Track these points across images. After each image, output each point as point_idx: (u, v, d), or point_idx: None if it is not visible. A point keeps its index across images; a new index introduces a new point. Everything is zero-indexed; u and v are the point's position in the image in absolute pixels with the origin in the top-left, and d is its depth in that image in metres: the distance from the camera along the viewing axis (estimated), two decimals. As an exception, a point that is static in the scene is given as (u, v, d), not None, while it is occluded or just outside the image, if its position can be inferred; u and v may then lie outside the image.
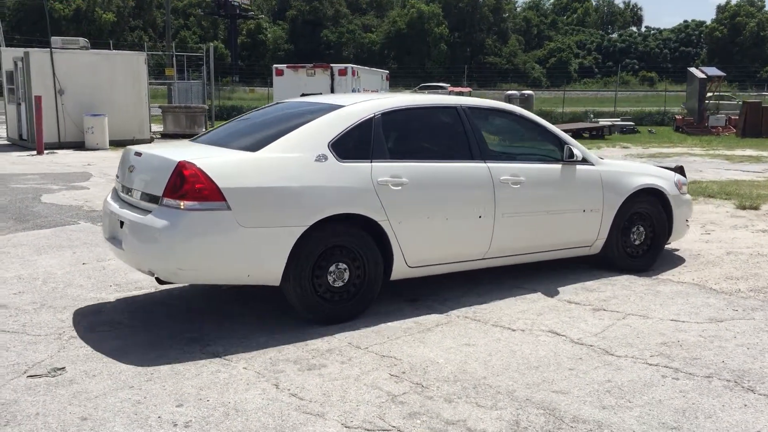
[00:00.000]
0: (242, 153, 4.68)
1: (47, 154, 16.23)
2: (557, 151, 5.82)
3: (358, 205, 4.72)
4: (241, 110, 37.90)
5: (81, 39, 19.91)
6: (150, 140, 18.73)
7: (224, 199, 4.30)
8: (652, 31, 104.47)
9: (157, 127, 22.38)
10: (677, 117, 30.28)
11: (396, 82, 42.55)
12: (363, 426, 3.34)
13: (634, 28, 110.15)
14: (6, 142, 19.50)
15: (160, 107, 23.59)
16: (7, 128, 20.06)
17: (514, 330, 4.73)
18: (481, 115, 5.71)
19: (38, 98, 16.56)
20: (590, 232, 5.95)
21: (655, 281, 5.96)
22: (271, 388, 3.76)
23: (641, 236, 6.26)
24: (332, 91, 24.09)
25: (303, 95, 26.34)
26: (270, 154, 4.62)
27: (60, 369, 3.99)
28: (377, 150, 4.92)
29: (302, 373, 3.96)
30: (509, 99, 28.32)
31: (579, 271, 6.21)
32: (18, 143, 18.67)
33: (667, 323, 4.87)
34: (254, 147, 4.71)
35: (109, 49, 26.15)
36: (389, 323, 4.83)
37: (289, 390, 3.74)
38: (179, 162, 4.35)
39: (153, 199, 4.50)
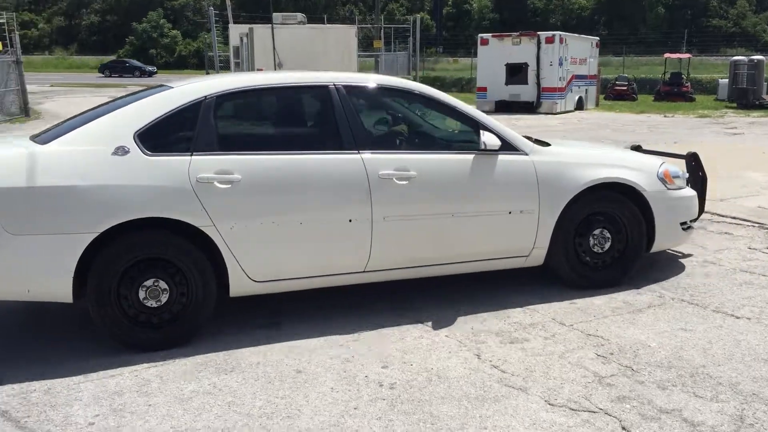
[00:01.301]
0: (32, 146, 4.01)
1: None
2: (474, 138, 4.60)
3: (168, 208, 3.91)
4: (443, 81, 38.26)
5: (299, 14, 21.16)
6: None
7: None
8: None
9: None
10: None
11: (606, 50, 40.37)
12: (567, 405, 3.24)
13: None
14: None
15: (367, 79, 24.39)
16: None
17: (738, 318, 4.32)
18: (365, 96, 4.76)
19: (260, 71, 17.86)
20: (523, 239, 4.71)
21: None
22: (472, 358, 3.76)
23: (606, 242, 4.92)
24: (538, 60, 23.39)
25: (507, 65, 25.57)
26: (57, 147, 3.93)
27: (276, 323, 4.30)
28: (203, 140, 4.07)
29: (504, 346, 3.92)
30: (735, 65, 25.78)
31: (818, 257, 5.53)
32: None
33: None
34: (47, 139, 4.05)
35: (323, 23, 27.46)
36: (595, 300, 4.63)
37: (490, 361, 3.72)
38: None
39: None
